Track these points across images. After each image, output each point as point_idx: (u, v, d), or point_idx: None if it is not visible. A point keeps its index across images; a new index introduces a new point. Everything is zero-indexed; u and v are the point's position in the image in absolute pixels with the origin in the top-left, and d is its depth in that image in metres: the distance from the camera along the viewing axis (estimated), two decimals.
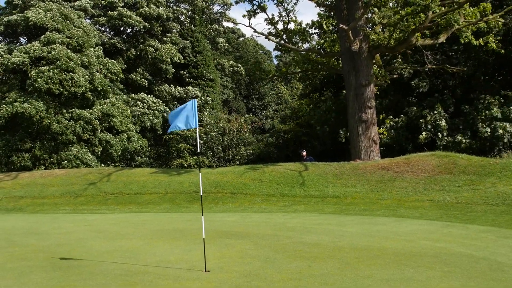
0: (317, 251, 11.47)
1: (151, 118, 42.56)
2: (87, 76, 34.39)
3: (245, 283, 8.95)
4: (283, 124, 36.91)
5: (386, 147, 27.46)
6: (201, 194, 12.38)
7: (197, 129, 11.22)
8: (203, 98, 45.62)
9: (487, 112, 25.57)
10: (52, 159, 33.55)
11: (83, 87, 33.77)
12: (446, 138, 25.98)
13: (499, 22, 25.57)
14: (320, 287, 8.55)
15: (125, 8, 44.08)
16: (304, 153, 27.04)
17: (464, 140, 25.48)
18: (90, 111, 35.02)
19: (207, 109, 40.96)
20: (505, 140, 24.95)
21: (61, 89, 33.08)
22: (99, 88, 35.16)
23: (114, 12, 43.51)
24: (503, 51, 25.46)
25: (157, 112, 43.28)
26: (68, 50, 34.16)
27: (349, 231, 14.33)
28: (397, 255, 10.75)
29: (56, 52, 33.27)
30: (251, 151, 30.00)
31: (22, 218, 21.26)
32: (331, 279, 9.01)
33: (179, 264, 10.59)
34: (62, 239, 14.81)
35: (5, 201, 26.71)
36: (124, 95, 42.56)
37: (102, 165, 34.85)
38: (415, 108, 27.43)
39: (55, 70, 32.77)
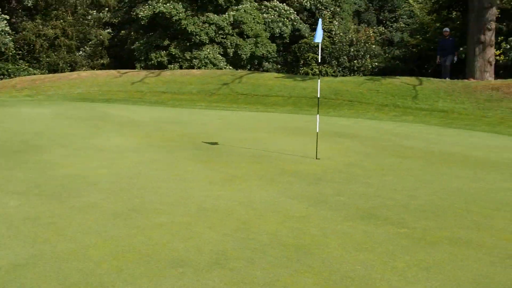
0: (410, 152, 13.72)
1: (280, 25, 42.04)
2: None
3: (346, 169, 11.42)
4: (411, 38, 37.76)
5: (504, 69, 28.31)
6: (318, 96, 15.01)
7: (319, 43, 13.42)
8: (332, 9, 44.73)
9: None
10: (185, 56, 37.22)
11: None
12: None
13: None
14: (405, 177, 10.82)
15: None
16: (447, 31, 26.95)
17: None
18: (224, 16, 37.96)
19: (337, 20, 41.27)
20: None
21: None
22: None
23: None
24: None
25: (287, 20, 42.51)
26: None
27: (444, 140, 16.33)
28: (477, 161, 12.75)
29: None
30: (376, 64, 31.75)
31: (165, 110, 24.62)
32: (415, 172, 11.28)
33: (295, 152, 13.23)
34: (200, 128, 17.94)
35: (149, 95, 30.41)
36: (256, 3, 43.46)
37: (230, 67, 37.84)
38: None
39: None
